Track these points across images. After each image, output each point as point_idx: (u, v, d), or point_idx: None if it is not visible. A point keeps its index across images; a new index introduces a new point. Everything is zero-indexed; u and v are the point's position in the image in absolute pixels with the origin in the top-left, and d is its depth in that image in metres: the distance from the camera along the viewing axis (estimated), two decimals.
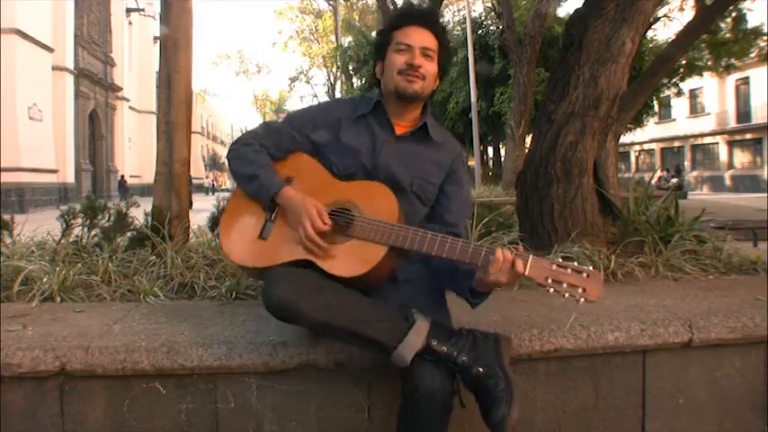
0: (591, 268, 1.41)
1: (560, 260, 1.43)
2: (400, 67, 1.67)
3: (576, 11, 3.03)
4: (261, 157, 1.69)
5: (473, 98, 14.17)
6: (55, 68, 20.54)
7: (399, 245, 1.50)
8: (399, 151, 1.72)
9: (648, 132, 28.10)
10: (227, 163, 1.80)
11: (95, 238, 2.72)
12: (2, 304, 2.05)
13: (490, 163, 22.39)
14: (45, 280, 2.17)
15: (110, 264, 2.35)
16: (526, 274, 1.41)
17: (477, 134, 14.83)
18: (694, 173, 30.10)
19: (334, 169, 1.70)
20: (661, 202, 3.10)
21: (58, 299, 2.11)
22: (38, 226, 2.92)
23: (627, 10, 2.79)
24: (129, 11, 30.24)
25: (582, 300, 1.38)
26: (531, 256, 1.42)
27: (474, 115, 14.41)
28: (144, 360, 1.59)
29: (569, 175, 2.86)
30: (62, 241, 2.66)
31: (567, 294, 1.39)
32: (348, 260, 1.53)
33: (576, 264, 1.42)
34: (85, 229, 2.74)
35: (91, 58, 24.62)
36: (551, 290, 1.40)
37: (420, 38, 1.69)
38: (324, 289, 1.46)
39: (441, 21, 1.75)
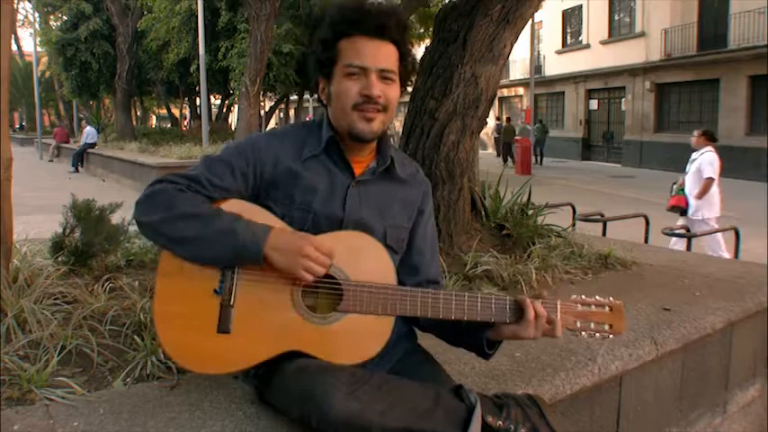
0: (611, 299, 1.30)
1: (582, 297, 1.30)
2: (355, 100, 1.28)
3: (455, 4, 2.83)
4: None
5: (201, 51, 13.11)
6: None
7: (409, 313, 1.25)
8: (365, 197, 1.37)
9: None
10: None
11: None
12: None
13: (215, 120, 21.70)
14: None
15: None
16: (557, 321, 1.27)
17: (206, 89, 13.94)
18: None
19: (287, 221, 1.32)
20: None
21: None
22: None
23: (511, 13, 2.69)
24: None
25: (611, 336, 1.29)
26: (558, 302, 1.28)
27: (202, 69, 13.31)
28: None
29: (452, 176, 2.78)
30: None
31: (597, 335, 1.28)
32: (352, 341, 1.24)
33: (597, 297, 1.30)
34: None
35: None
36: (583, 333, 1.28)
37: (376, 54, 1.28)
38: (381, 385, 1.16)
39: (402, 21, 1.33)
